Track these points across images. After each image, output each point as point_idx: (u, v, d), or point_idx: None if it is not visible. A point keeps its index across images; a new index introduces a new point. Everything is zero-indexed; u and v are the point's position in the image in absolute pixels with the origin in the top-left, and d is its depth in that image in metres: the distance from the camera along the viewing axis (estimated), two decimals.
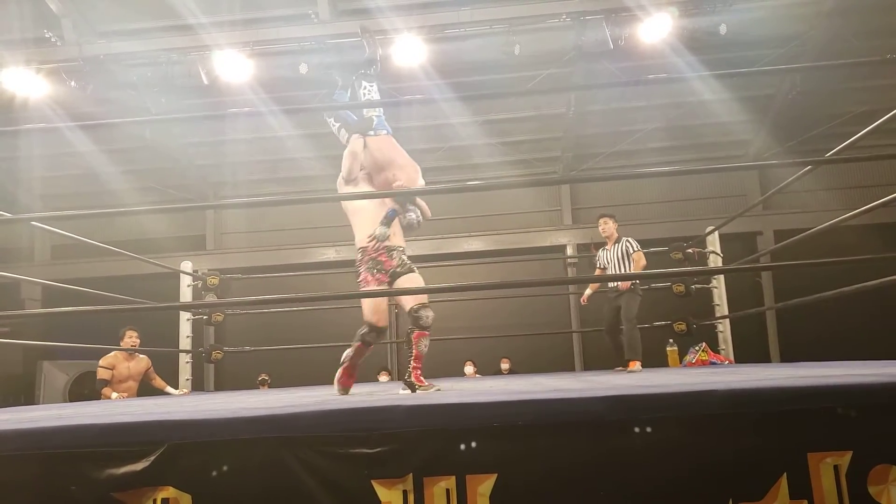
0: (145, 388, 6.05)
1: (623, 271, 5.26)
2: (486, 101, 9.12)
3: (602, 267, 5.51)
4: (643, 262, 5.35)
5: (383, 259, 3.41)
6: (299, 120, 9.04)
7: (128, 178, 9.82)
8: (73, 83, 7.86)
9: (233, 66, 7.76)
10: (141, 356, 5.98)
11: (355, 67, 3.59)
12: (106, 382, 5.71)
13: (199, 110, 8.27)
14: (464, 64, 7.98)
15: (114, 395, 5.70)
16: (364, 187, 3.55)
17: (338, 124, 3.61)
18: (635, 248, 5.34)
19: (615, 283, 5.20)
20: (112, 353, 5.86)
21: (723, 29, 7.28)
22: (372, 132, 3.49)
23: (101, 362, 5.78)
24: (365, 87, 3.58)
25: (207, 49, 7.68)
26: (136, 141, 9.41)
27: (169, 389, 5.99)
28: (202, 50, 7.70)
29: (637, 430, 1.57)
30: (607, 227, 5.50)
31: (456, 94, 3.33)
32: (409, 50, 7.55)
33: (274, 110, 6.97)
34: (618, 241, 5.44)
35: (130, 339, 5.94)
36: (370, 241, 3.38)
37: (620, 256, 5.35)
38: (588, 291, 5.72)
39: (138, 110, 8.28)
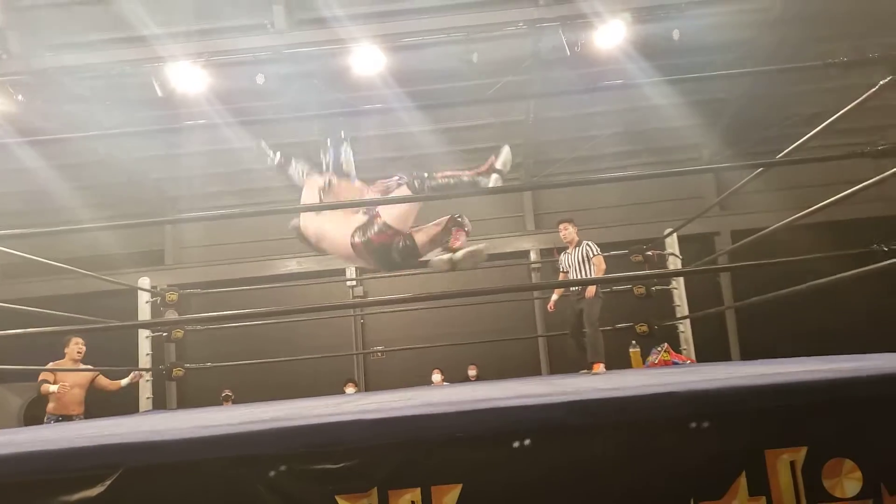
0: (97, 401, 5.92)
1: (584, 275, 5.36)
2: (446, 109, 9.15)
3: (564, 270, 5.60)
4: (603, 265, 5.46)
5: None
6: (256, 131, 8.93)
7: (80, 195, 9.57)
8: (20, 97, 7.65)
9: (188, 78, 7.65)
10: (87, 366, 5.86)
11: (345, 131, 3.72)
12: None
13: (153, 123, 8.12)
14: (423, 73, 8.01)
15: (52, 387, 5.55)
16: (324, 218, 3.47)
17: (307, 167, 3.63)
18: (595, 253, 5.45)
19: (578, 287, 5.30)
20: (55, 363, 5.73)
21: (675, 34, 7.45)
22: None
23: (42, 374, 5.66)
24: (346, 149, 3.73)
25: (161, 60, 7.55)
26: (88, 155, 9.19)
27: (122, 382, 5.91)
28: (156, 61, 7.58)
29: (598, 434, 1.59)
30: (567, 232, 5.62)
31: (415, 104, 3.34)
32: (368, 59, 7.55)
33: (231, 122, 6.87)
34: (578, 244, 5.55)
35: (76, 345, 5.82)
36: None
37: (581, 260, 5.46)
38: (554, 297, 5.80)
39: (90, 124, 8.09)
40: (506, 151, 3.22)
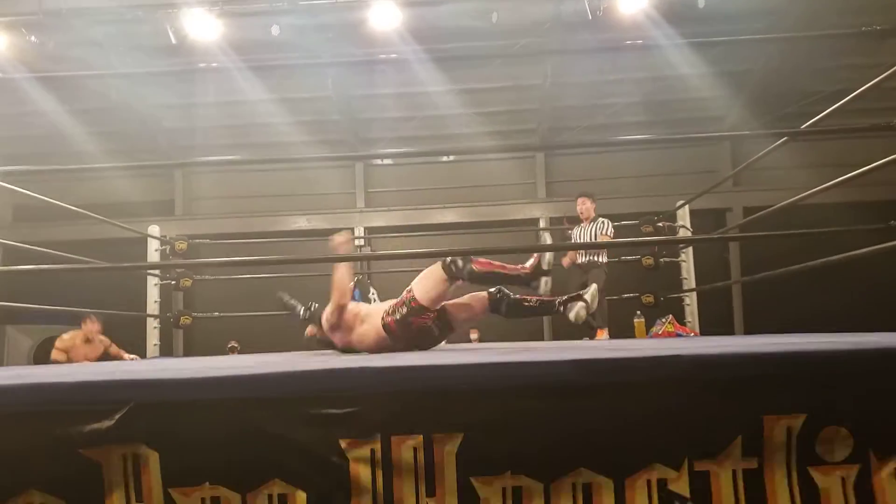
0: None
1: (590, 253, 5.40)
2: (462, 69, 9.06)
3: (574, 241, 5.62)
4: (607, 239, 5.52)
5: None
6: (271, 84, 8.90)
7: (94, 140, 9.59)
8: (33, 38, 7.61)
9: (202, 26, 7.58)
10: (99, 339, 5.94)
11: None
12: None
13: (169, 74, 8.10)
14: (440, 30, 7.90)
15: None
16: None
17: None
18: (605, 232, 5.47)
19: (584, 258, 5.31)
20: (69, 336, 5.81)
21: (701, 1, 7.31)
22: None
23: (57, 344, 5.74)
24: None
25: (175, 7, 7.49)
26: (101, 101, 9.17)
27: (125, 356, 6.01)
28: (170, 7, 7.51)
29: (599, 393, 1.62)
30: (585, 206, 5.63)
31: (430, 56, 3.30)
32: (385, 14, 7.45)
33: (242, 68, 6.83)
34: (593, 220, 5.54)
35: (93, 325, 5.92)
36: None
37: (592, 237, 5.46)
38: (566, 260, 5.77)
39: (104, 70, 8.07)
40: (549, 256, 3.12)
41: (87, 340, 5.90)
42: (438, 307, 3.23)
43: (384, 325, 3.23)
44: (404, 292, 3.27)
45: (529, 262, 3.16)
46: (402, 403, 1.63)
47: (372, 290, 3.98)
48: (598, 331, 5.06)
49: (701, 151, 10.26)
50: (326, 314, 3.31)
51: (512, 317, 3.23)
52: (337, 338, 3.35)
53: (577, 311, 2.93)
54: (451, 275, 3.06)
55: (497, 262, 3.07)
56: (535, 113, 9.97)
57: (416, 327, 3.18)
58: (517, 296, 3.14)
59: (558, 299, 3.08)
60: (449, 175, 10.40)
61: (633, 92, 9.59)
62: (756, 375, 1.63)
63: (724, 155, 10.24)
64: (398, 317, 3.20)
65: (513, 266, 3.07)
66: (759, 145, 6.26)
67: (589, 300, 3.06)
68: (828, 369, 1.64)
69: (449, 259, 3.06)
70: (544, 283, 3.00)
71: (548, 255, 3.05)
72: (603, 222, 5.53)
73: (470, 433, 1.60)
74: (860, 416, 1.55)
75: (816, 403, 1.58)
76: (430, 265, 3.25)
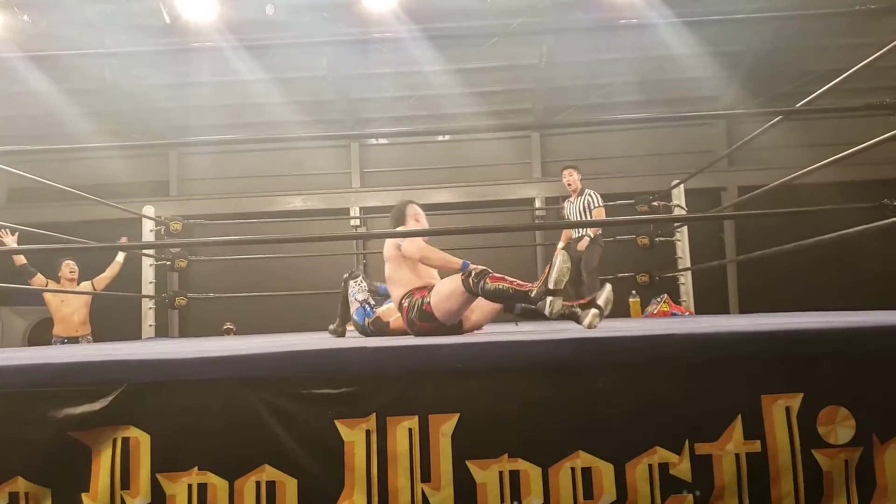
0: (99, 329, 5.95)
1: (583, 229, 5.35)
2: (457, 49, 8.95)
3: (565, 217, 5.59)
4: (603, 217, 5.44)
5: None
6: (266, 64, 8.77)
7: (88, 121, 9.46)
8: (25, 17, 7.48)
9: (196, 5, 7.45)
10: (81, 284, 5.85)
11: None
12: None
13: (161, 52, 7.98)
14: (435, 9, 7.79)
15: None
16: None
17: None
18: (597, 204, 5.42)
19: (577, 235, 5.28)
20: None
21: None
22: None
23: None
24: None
25: None
26: (95, 82, 9.04)
27: (118, 259, 6.01)
28: None
29: (596, 373, 1.59)
30: (571, 178, 5.56)
31: (425, 35, 3.23)
32: None
33: (236, 47, 6.73)
34: (581, 193, 5.49)
35: (67, 267, 5.82)
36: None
37: (582, 210, 5.42)
38: (560, 244, 5.72)
39: (98, 50, 7.94)
40: (556, 275, 2.95)
41: (70, 282, 5.77)
42: (451, 324, 3.12)
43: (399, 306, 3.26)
44: (412, 289, 3.20)
45: (541, 278, 3.02)
46: (399, 383, 1.61)
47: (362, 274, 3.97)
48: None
49: (696, 131, 10.19)
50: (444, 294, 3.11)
51: (525, 321, 3.21)
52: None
53: (589, 319, 2.79)
54: (469, 289, 2.97)
55: (509, 279, 2.98)
56: (530, 93, 9.87)
57: (419, 329, 3.14)
58: (488, 280, 3.00)
59: (569, 307, 2.93)
60: (444, 155, 10.32)
61: (628, 72, 9.49)
62: (752, 354, 1.61)
63: (719, 134, 10.18)
64: (411, 315, 3.16)
65: (523, 283, 2.98)
66: (754, 125, 6.22)
67: (603, 305, 2.93)
68: (824, 348, 1.62)
69: (466, 274, 3.00)
70: (549, 303, 2.85)
71: (555, 274, 2.92)
72: (591, 195, 5.48)
73: (466, 414, 1.57)
74: (861, 397, 1.53)
75: (813, 382, 1.56)
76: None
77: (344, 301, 3.93)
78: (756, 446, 1.51)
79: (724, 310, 9.28)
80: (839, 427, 1.52)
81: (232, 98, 9.74)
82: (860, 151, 3.11)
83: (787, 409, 1.53)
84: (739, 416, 1.56)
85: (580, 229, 5.48)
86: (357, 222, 9.75)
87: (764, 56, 8.90)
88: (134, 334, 6.17)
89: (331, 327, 4.06)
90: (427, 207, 10.77)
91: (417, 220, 3.49)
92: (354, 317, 3.64)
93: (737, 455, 1.51)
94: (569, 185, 5.58)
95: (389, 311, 3.70)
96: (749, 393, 1.57)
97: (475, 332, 3.29)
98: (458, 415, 1.57)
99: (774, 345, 1.65)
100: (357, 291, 3.85)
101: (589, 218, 5.36)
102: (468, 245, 7.33)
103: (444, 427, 1.56)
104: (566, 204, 5.64)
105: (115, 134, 9.74)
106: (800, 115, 8.43)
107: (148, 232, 6.15)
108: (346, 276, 4.03)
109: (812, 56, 8.90)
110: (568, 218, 5.55)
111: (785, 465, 1.49)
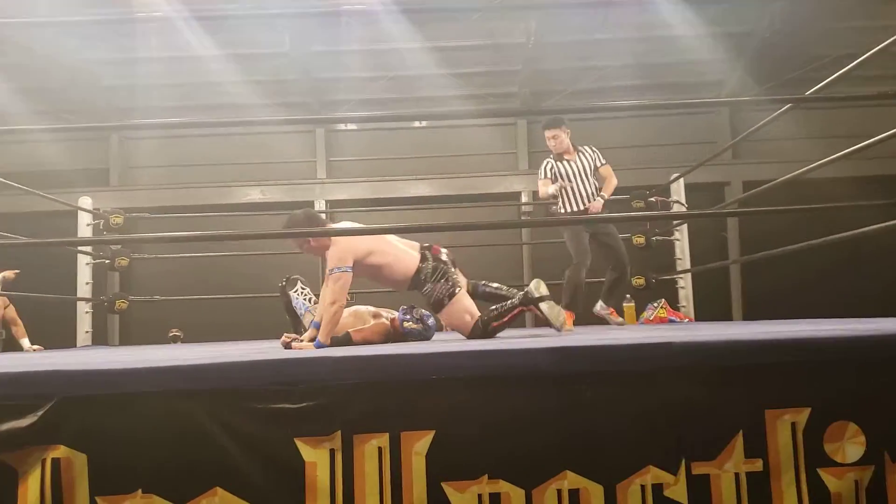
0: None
1: (592, 190, 4.76)
2: (436, 24, 8.94)
3: (562, 186, 4.74)
4: (615, 178, 4.92)
5: None
6: (222, 38, 8.69)
7: (15, 99, 9.30)
8: None
9: None
10: None
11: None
12: None
13: (102, 22, 7.86)
14: None
15: None
16: None
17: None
18: (603, 161, 4.87)
19: (582, 203, 4.74)
20: None
21: None
22: None
23: None
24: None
25: None
26: (23, 55, 8.89)
27: (23, 342, 5.64)
28: None
29: (584, 384, 1.60)
30: (559, 140, 4.78)
31: (400, 8, 3.22)
32: None
33: (187, 18, 6.64)
34: (578, 151, 4.86)
35: None
36: None
37: (587, 170, 4.79)
38: (552, 189, 4.78)
39: (28, 18, 7.81)
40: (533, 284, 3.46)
41: None
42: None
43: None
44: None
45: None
46: (366, 396, 1.60)
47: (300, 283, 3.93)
48: (568, 313, 4.38)
49: (697, 120, 10.30)
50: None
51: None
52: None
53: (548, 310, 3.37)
54: (476, 334, 3.37)
55: (506, 312, 3.42)
56: (516, 75, 9.90)
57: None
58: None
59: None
60: (421, 143, 10.32)
61: (624, 53, 9.56)
62: (756, 365, 1.63)
63: (722, 124, 10.30)
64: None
65: (514, 306, 3.44)
66: (760, 114, 6.31)
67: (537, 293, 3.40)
68: (834, 358, 1.64)
69: (481, 321, 3.40)
70: (547, 308, 3.32)
71: (532, 283, 3.36)
72: (590, 149, 4.86)
73: (441, 431, 1.57)
74: (872, 411, 1.55)
75: (822, 395, 1.59)
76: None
77: (290, 312, 3.88)
78: (758, 465, 1.54)
79: (726, 316, 9.39)
80: (848, 444, 1.54)
81: (182, 76, 9.64)
82: (876, 143, 3.16)
83: (793, 425, 1.55)
84: (740, 432, 1.58)
85: (588, 193, 4.80)
86: (323, 216, 9.73)
87: (771, 38, 9.02)
88: (68, 342, 6.08)
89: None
90: (402, 201, 10.78)
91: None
92: (312, 327, 3.61)
93: (736, 475, 1.54)
94: (556, 147, 4.77)
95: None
96: (751, 407, 1.59)
97: (451, 334, 3.50)
98: (432, 432, 1.57)
99: (780, 355, 1.67)
100: (303, 300, 3.83)
101: (598, 177, 4.83)
102: (447, 244, 7.34)
103: (418, 446, 1.56)
104: (557, 165, 4.79)
105: (46, 115, 9.57)
106: (810, 103, 8.55)
107: (85, 226, 6.06)
108: (281, 283, 3.94)
109: (823, 39, 9.04)
110: (567, 178, 4.77)
111: (789, 486, 1.51)
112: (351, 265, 3.27)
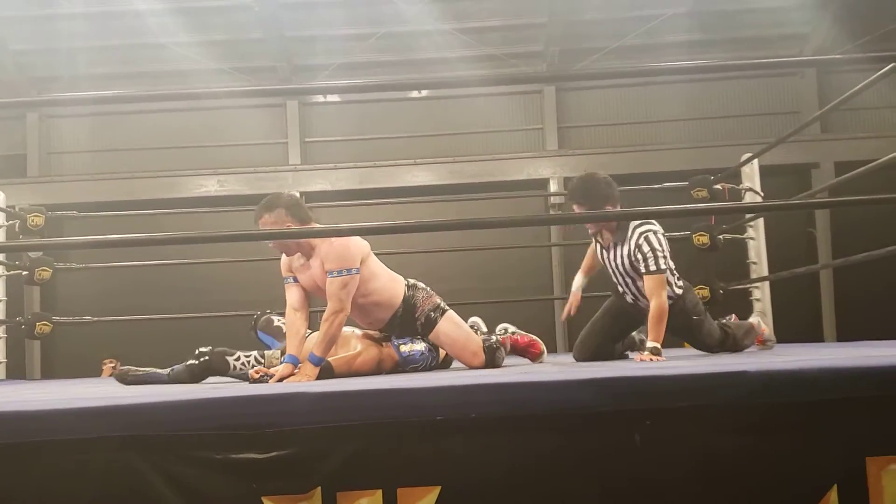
0: None
1: (635, 289, 3.98)
2: None
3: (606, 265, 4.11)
4: (661, 301, 3.78)
5: None
6: (171, 7, 8.76)
7: None
8: None
9: None
10: None
11: None
12: None
13: None
14: None
15: None
16: None
17: None
18: (650, 266, 3.82)
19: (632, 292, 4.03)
20: None
21: None
22: None
23: None
24: None
25: None
26: None
27: None
28: None
29: (633, 425, 1.61)
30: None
31: None
32: None
33: None
34: (621, 237, 3.97)
35: None
36: None
37: (625, 268, 3.99)
38: (579, 281, 4.33)
39: None
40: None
41: None
42: None
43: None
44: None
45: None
46: (353, 443, 1.61)
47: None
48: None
49: (775, 84, 10.31)
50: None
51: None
52: None
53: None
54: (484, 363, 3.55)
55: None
56: (541, 29, 9.94)
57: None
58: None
59: None
60: (420, 118, 10.34)
61: (678, 1, 9.59)
62: (855, 400, 1.64)
63: (807, 89, 10.31)
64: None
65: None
66: (855, 76, 6.29)
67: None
68: None
69: (492, 346, 3.60)
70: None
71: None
72: (637, 241, 3.86)
73: (449, 486, 1.58)
74: None
75: None
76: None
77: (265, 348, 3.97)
78: None
79: (816, 336, 9.37)
80: None
81: (117, 37, 9.71)
82: None
83: None
84: (835, 486, 1.58)
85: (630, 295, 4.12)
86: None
87: None
88: None
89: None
90: (398, 192, 10.83)
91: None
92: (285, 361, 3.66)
93: None
94: (594, 232, 4.15)
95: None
96: (848, 453, 1.60)
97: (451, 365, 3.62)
98: (438, 488, 1.58)
99: (885, 387, 1.67)
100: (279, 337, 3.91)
101: (639, 282, 3.96)
102: (456, 245, 7.35)
103: None
104: (600, 251, 4.16)
105: None
106: None
107: None
108: (254, 319, 4.12)
109: None
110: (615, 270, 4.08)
111: None
112: (359, 266, 3.25)
